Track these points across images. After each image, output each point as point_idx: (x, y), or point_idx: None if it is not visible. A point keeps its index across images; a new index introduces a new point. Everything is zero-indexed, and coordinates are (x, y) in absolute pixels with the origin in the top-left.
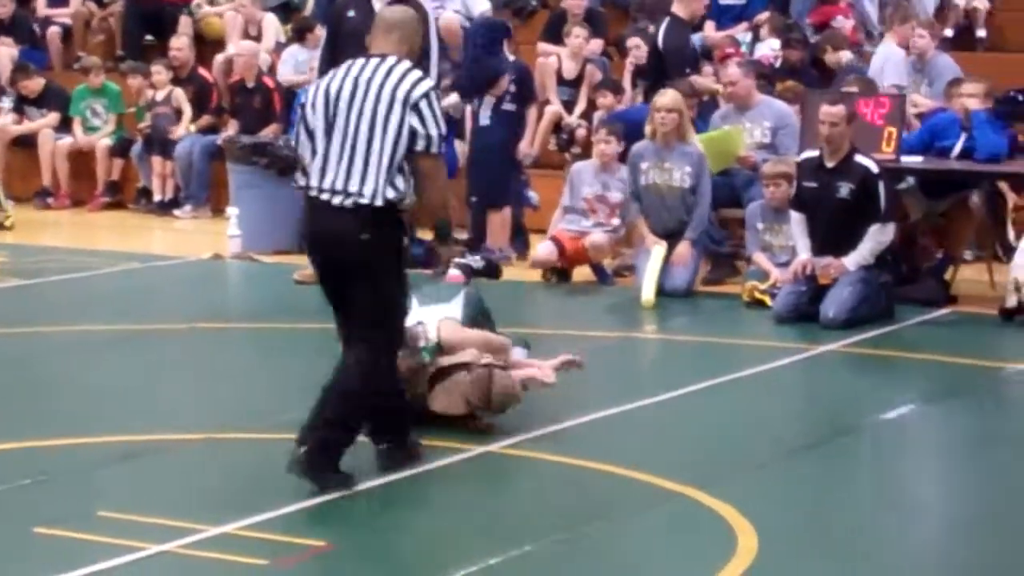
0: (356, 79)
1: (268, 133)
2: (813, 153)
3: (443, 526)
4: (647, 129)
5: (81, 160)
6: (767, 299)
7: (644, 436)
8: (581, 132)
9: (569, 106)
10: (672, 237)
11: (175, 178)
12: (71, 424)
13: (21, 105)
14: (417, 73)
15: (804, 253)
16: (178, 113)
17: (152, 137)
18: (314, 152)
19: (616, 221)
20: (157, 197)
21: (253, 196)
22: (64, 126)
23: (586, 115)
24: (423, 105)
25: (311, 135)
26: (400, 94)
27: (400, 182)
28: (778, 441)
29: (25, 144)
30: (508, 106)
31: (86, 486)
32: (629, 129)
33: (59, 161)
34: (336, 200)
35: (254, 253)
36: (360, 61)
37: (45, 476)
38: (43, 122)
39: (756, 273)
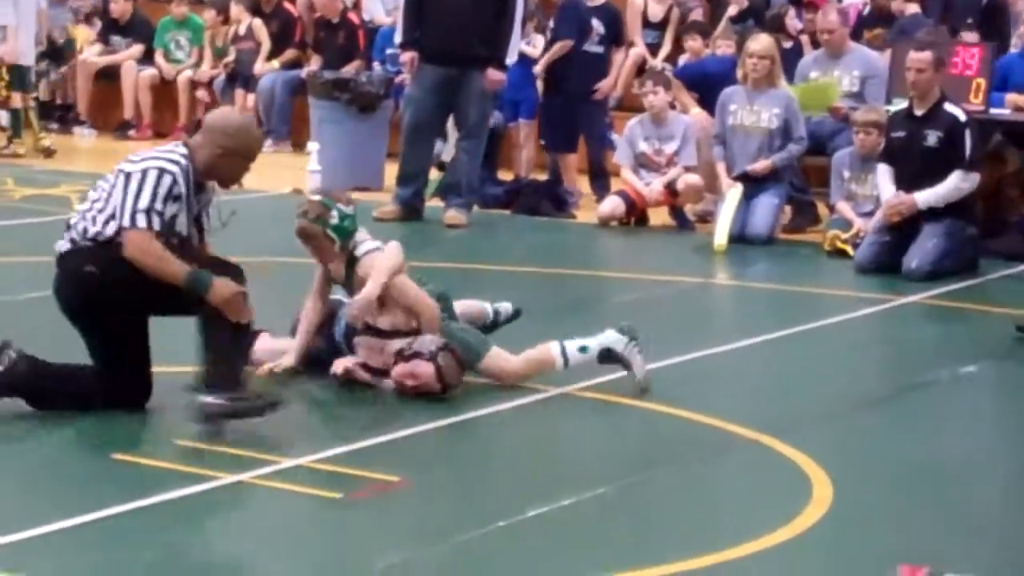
0: None
1: (351, 69)
2: (903, 104)
3: (517, 465)
4: (739, 74)
5: (163, 92)
6: (849, 249)
7: (719, 383)
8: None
9: (654, 49)
10: (751, 182)
11: (257, 112)
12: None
13: (107, 34)
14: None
15: (891, 194)
16: (259, 45)
17: (236, 71)
18: None
19: (674, 170)
20: None
21: (334, 131)
22: (147, 58)
23: (671, 58)
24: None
25: None
26: None
27: None
28: (856, 391)
29: (109, 76)
30: (595, 48)
31: (163, 415)
32: (709, 80)
33: (142, 93)
34: None
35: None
36: None
37: None
38: (127, 53)
39: (839, 222)
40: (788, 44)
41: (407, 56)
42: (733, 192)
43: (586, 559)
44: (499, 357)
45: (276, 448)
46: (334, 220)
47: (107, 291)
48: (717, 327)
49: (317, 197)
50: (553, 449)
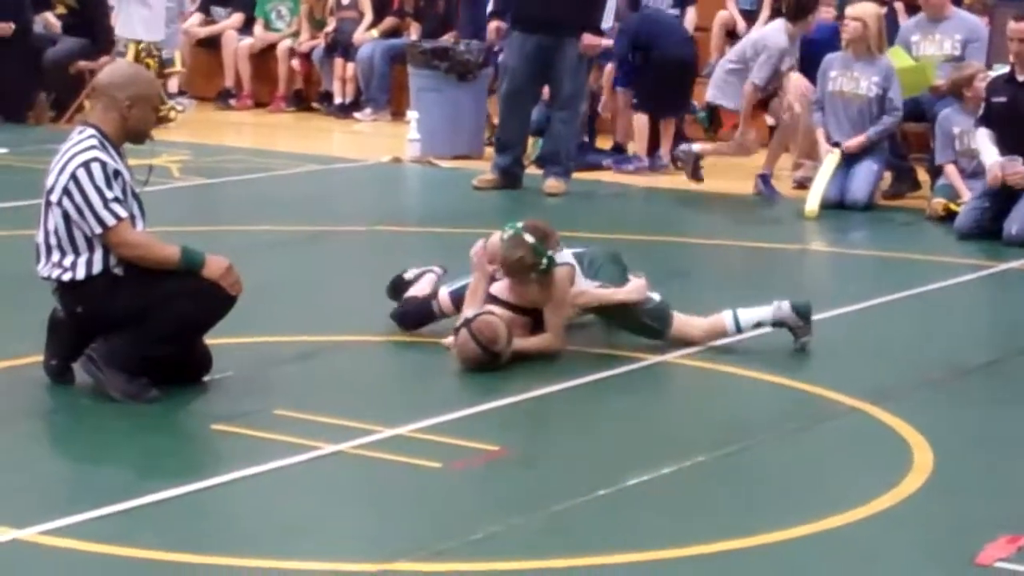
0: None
1: (449, 38)
2: (1005, 69)
3: (617, 434)
4: (843, 39)
5: (263, 61)
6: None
7: (818, 350)
8: None
9: (751, 16)
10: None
11: (357, 81)
12: (247, 323)
13: (207, 5)
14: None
15: (994, 157)
16: (362, 16)
17: (336, 40)
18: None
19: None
20: (338, 100)
21: (433, 100)
22: (247, 27)
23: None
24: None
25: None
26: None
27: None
28: (956, 358)
29: (209, 45)
30: (671, 11)
31: (262, 385)
32: (809, 46)
33: (241, 62)
34: None
35: (433, 157)
36: None
37: (220, 375)
38: (228, 23)
39: (945, 189)
40: (882, 11)
41: (493, 26)
42: (831, 157)
43: (686, 528)
44: (683, 325)
45: (376, 418)
46: (543, 267)
47: (106, 319)
48: (816, 294)
49: (530, 239)
50: (653, 418)
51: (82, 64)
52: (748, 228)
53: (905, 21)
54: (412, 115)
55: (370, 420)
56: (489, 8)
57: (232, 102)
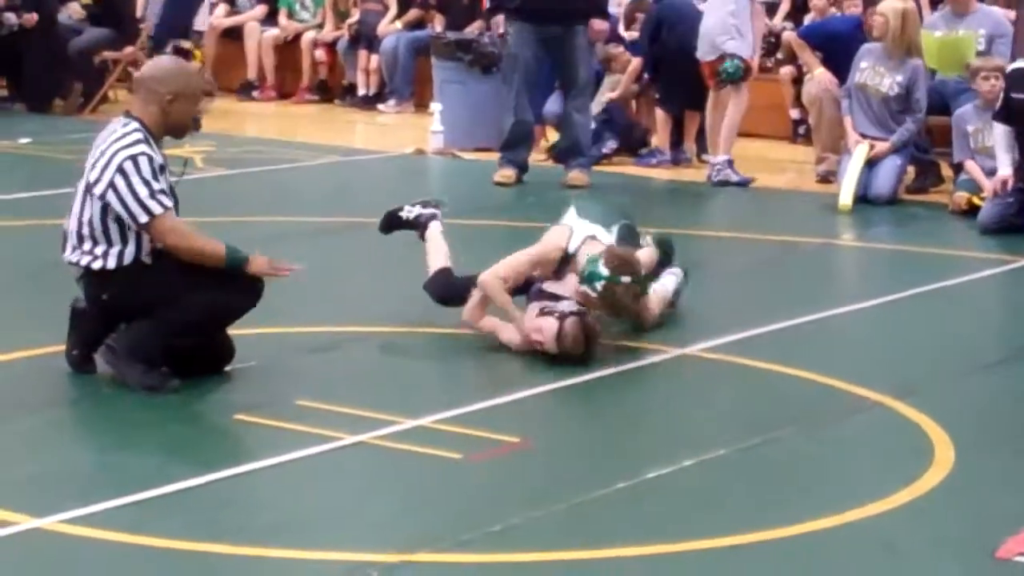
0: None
1: (474, 29)
2: (1023, 63)
3: (637, 426)
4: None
5: (287, 52)
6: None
7: (841, 344)
8: (787, 35)
9: (772, 9)
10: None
11: (380, 73)
12: (269, 314)
13: None
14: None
15: (1005, 168)
16: (386, 8)
17: (360, 32)
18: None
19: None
20: (361, 91)
21: (457, 92)
22: (271, 19)
23: (793, 18)
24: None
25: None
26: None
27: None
28: (978, 353)
29: (233, 36)
30: (699, 3)
31: (285, 375)
32: (833, 40)
33: (265, 53)
34: None
35: (456, 149)
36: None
37: (243, 365)
38: (251, 14)
39: (967, 183)
40: (909, 6)
41: (499, 19)
42: (861, 148)
43: (707, 521)
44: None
45: (396, 409)
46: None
47: (130, 307)
48: (839, 288)
49: (628, 279)
50: (673, 410)
51: (107, 54)
52: (771, 221)
53: (929, 15)
54: (435, 107)
55: (391, 411)
56: (487, 3)
57: (255, 93)
